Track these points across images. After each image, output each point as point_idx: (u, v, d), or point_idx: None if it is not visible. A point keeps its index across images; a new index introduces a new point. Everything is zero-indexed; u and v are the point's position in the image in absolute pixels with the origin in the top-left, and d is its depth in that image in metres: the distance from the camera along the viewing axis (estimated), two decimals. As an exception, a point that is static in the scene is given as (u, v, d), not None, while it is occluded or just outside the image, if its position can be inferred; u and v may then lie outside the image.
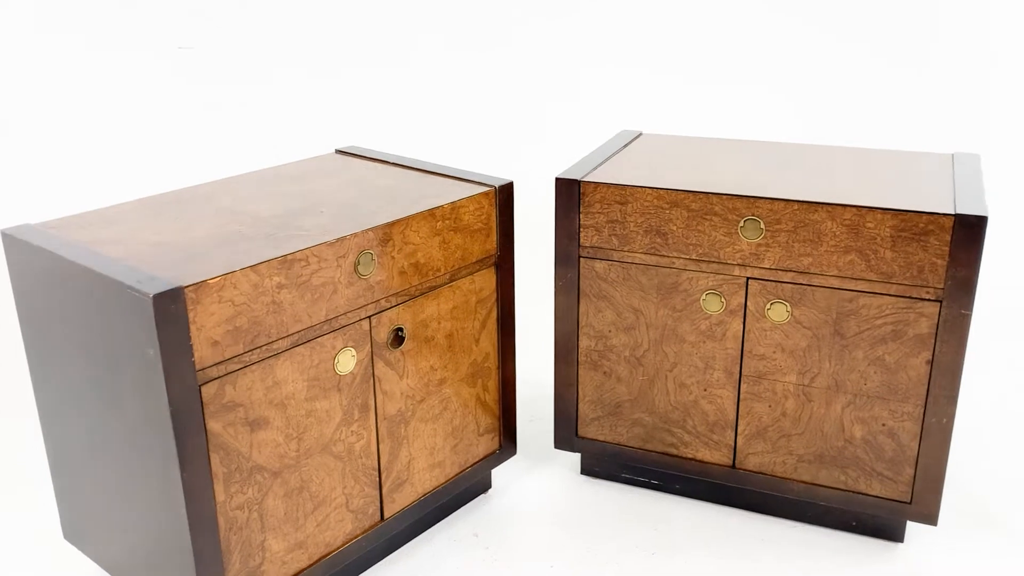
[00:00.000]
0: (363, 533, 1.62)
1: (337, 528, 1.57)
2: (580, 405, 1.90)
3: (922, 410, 1.62)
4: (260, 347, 1.36)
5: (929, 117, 3.27)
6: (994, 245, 2.93)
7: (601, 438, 1.91)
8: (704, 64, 3.34)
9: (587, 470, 2.01)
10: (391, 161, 1.89)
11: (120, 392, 1.34)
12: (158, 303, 1.21)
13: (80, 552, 1.71)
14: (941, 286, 1.55)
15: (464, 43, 3.37)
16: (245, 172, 1.86)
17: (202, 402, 1.31)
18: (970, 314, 1.54)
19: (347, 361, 1.50)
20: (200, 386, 1.30)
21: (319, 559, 1.55)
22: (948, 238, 1.52)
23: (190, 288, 1.25)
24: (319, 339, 1.45)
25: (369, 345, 1.54)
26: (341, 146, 2.04)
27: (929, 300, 1.56)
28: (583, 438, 1.92)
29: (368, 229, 1.48)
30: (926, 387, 1.61)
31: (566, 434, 1.93)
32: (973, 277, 1.52)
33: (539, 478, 2.00)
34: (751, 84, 3.33)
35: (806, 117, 3.30)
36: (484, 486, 1.95)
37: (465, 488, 1.86)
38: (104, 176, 3.15)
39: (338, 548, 1.58)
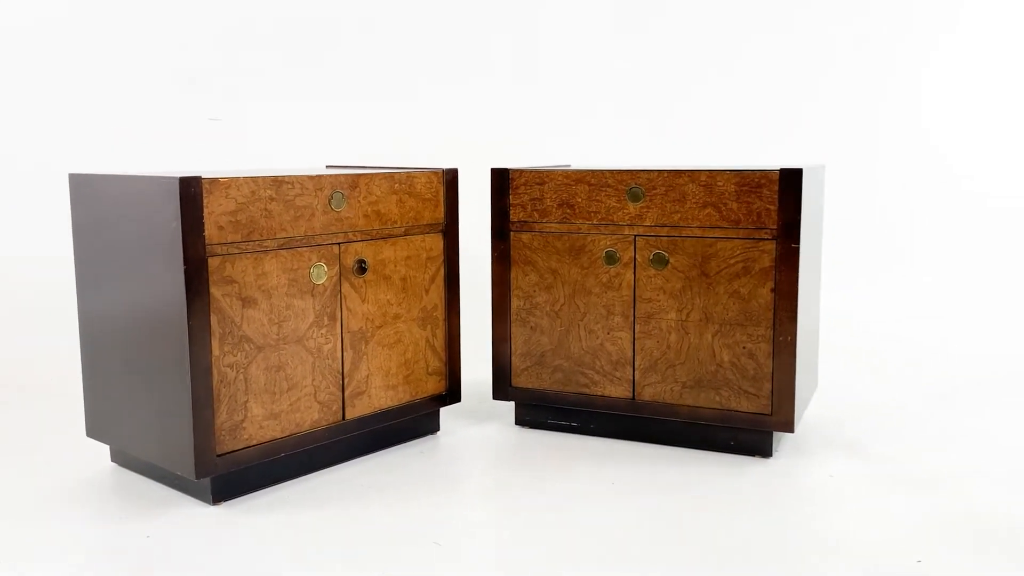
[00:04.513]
0: (327, 425, 2.03)
1: (306, 413, 1.99)
2: (512, 358, 2.33)
3: (772, 331, 2.06)
4: (254, 241, 1.84)
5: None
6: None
7: (530, 385, 2.32)
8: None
9: (520, 420, 2.40)
10: (372, 166, 2.42)
11: (148, 268, 1.81)
12: (182, 185, 1.71)
13: (99, 443, 2.11)
14: (775, 227, 2.03)
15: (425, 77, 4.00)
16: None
17: (208, 270, 1.77)
18: (798, 247, 2.01)
19: (320, 273, 1.97)
20: (207, 257, 1.77)
21: (290, 434, 1.96)
22: (776, 188, 2.01)
23: (206, 180, 1.75)
24: (299, 249, 1.93)
25: (338, 266, 2.01)
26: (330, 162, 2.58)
27: (767, 239, 2.04)
28: (516, 387, 2.34)
29: (340, 174, 2.00)
30: (772, 311, 2.05)
31: (502, 384, 2.35)
32: (797, 218, 2.00)
33: (480, 427, 2.40)
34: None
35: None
36: (432, 427, 2.35)
37: (415, 419, 2.27)
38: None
39: (306, 430, 1.99)
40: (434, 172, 2.20)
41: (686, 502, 1.90)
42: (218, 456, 1.84)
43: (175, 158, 3.69)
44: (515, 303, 2.31)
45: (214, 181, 1.77)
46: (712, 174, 2.07)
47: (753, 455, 2.16)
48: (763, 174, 2.03)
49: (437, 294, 2.25)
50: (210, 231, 1.77)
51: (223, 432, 1.84)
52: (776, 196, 2.01)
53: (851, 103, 4.02)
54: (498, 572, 1.61)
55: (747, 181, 2.04)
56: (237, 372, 1.85)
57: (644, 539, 1.73)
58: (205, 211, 1.76)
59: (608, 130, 3.96)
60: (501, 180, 2.28)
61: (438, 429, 2.37)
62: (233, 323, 1.83)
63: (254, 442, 1.90)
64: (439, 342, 2.27)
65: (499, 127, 3.95)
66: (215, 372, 1.81)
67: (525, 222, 2.27)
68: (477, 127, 3.93)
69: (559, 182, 2.22)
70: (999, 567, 1.60)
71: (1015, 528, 1.76)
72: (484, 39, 3.99)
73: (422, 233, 2.19)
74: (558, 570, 1.61)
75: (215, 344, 1.80)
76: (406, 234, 2.16)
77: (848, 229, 3.94)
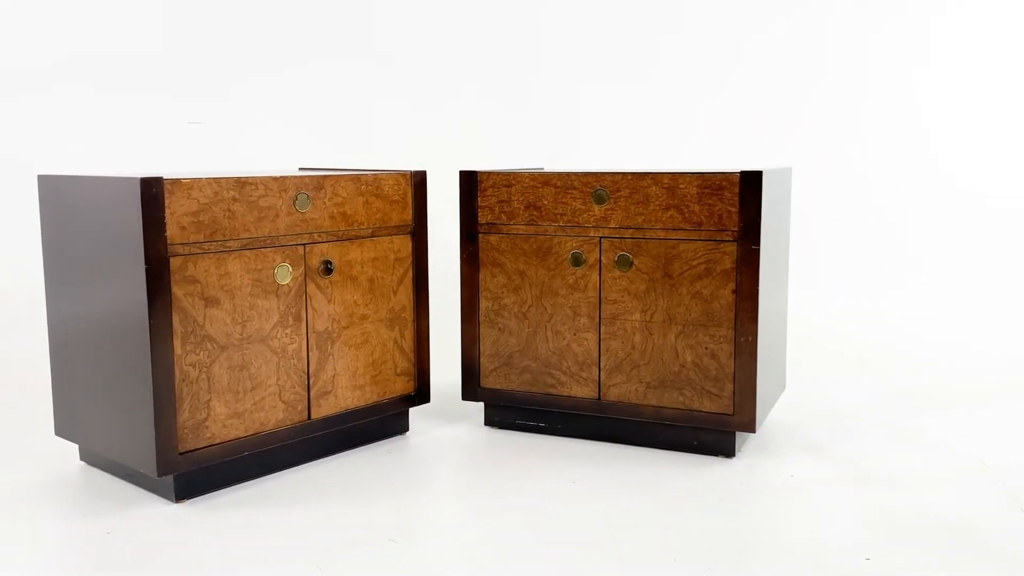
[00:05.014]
0: (292, 424, 2.05)
1: (271, 412, 2.00)
2: (481, 359, 2.35)
3: (733, 332, 2.07)
4: (216, 241, 1.86)
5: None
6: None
7: (498, 386, 2.34)
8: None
9: (489, 421, 2.42)
10: (342, 169, 2.45)
11: (112, 268, 1.83)
12: (143, 185, 1.73)
13: (69, 442, 2.13)
14: (736, 229, 2.04)
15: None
16: (226, 174, 2.41)
17: (170, 270, 1.80)
18: (759, 248, 2.02)
19: (284, 274, 1.99)
20: (169, 257, 1.79)
21: (254, 433, 1.98)
22: (737, 191, 2.03)
23: (168, 181, 1.77)
24: (262, 250, 1.95)
25: (303, 267, 2.03)
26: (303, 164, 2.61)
27: (728, 241, 2.06)
28: (485, 388, 2.36)
29: (305, 176, 2.02)
30: (734, 312, 2.07)
31: (471, 385, 2.37)
32: (758, 219, 2.02)
33: (449, 428, 2.42)
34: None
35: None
36: (402, 428, 2.37)
37: (383, 419, 2.28)
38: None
39: (270, 430, 2.01)
40: (401, 174, 2.22)
41: (647, 502, 1.91)
42: (180, 454, 1.86)
43: (154, 161, 3.72)
44: (483, 304, 2.33)
45: (176, 182, 1.79)
46: (674, 177, 2.09)
47: (716, 455, 2.17)
48: (724, 176, 2.05)
49: (405, 295, 2.27)
50: (172, 231, 1.79)
51: (185, 430, 1.86)
52: (737, 198, 2.03)
53: (844, 103, 4.03)
54: (465, 572, 1.62)
55: (708, 183, 2.06)
56: (199, 371, 1.87)
57: (606, 539, 1.74)
58: (167, 211, 1.78)
59: (583, 133, 3.99)
60: (469, 182, 2.30)
61: (407, 429, 2.38)
62: (195, 322, 1.85)
63: (217, 441, 1.91)
64: (407, 343, 2.29)
65: (470, 129, 3.98)
66: (177, 371, 1.83)
67: (493, 224, 2.29)
68: (449, 130, 3.96)
69: (526, 184, 2.24)
70: (945, 565, 1.62)
71: (965, 529, 1.77)
72: (464, 41, 4.02)
73: (390, 235, 2.21)
74: (525, 570, 1.62)
75: (177, 343, 1.82)
76: (373, 235, 2.18)
77: (839, 230, 3.95)
